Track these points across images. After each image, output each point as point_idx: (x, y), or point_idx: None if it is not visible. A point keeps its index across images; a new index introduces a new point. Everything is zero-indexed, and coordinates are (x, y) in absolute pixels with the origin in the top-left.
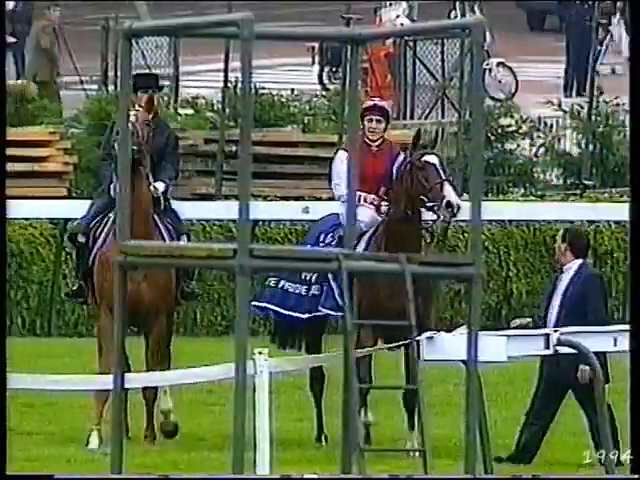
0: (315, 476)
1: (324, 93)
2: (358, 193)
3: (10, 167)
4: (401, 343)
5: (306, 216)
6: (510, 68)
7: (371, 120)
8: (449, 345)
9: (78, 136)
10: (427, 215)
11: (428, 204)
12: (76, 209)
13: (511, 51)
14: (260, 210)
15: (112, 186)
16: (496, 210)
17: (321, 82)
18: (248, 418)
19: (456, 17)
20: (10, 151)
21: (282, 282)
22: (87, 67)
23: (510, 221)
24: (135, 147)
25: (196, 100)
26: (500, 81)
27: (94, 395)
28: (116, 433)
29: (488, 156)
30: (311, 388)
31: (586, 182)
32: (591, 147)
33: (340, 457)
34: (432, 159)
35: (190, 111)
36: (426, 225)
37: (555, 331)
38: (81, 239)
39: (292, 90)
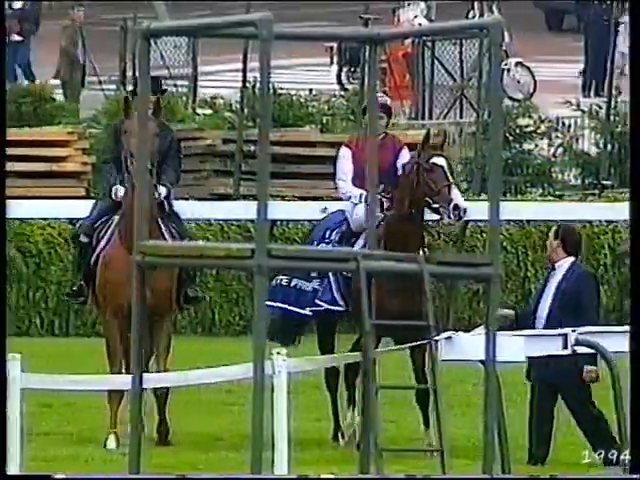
0: (332, 476)
1: (342, 93)
2: (360, 190)
3: (28, 167)
4: (419, 343)
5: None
6: (528, 68)
7: None
8: (467, 345)
9: (96, 136)
10: (428, 215)
11: (433, 205)
12: None
13: (529, 51)
14: (278, 210)
15: (114, 189)
16: (514, 210)
17: (339, 82)
18: (266, 418)
19: (474, 17)
20: (28, 151)
21: (280, 277)
22: (105, 67)
23: (528, 221)
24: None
25: (214, 100)
26: (518, 81)
27: (108, 398)
28: (134, 433)
29: (506, 156)
30: (326, 384)
31: (604, 182)
32: (609, 147)
33: (358, 457)
34: (440, 161)
35: (208, 111)
36: (428, 225)
37: (573, 331)
38: (83, 239)
39: (310, 90)
